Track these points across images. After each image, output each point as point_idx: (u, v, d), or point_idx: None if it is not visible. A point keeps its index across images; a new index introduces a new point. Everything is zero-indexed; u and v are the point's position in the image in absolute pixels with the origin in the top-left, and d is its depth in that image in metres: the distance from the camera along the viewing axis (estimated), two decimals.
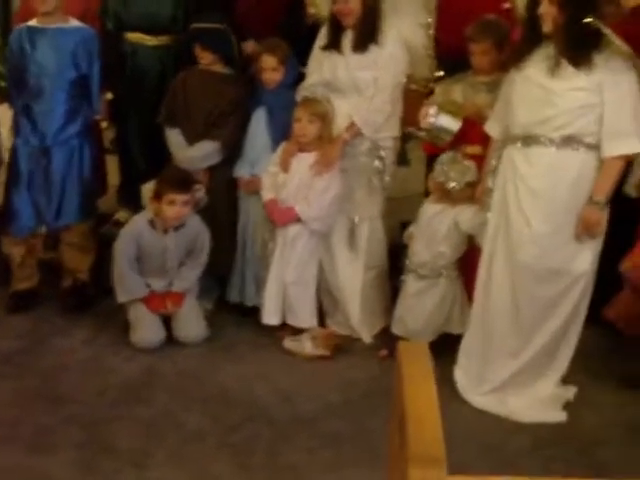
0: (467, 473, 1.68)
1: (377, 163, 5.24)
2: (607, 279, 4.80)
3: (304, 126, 5.18)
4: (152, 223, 5.33)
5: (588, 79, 4.25)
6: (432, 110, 4.99)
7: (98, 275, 5.57)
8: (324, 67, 5.26)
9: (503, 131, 4.63)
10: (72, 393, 4.74)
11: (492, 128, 4.74)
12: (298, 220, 5.25)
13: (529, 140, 4.42)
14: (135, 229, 5.35)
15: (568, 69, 4.28)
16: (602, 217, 4.39)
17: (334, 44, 5.19)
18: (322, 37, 5.30)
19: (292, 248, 5.29)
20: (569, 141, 4.34)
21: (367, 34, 5.08)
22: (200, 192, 5.41)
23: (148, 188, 5.46)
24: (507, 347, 4.68)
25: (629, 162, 4.64)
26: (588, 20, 4.24)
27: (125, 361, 5.11)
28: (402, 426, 1.68)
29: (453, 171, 4.85)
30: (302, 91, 5.33)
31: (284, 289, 5.32)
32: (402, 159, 6.44)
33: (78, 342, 5.30)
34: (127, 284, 5.33)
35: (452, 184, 4.83)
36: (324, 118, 5.20)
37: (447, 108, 5.01)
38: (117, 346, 5.26)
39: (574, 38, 4.26)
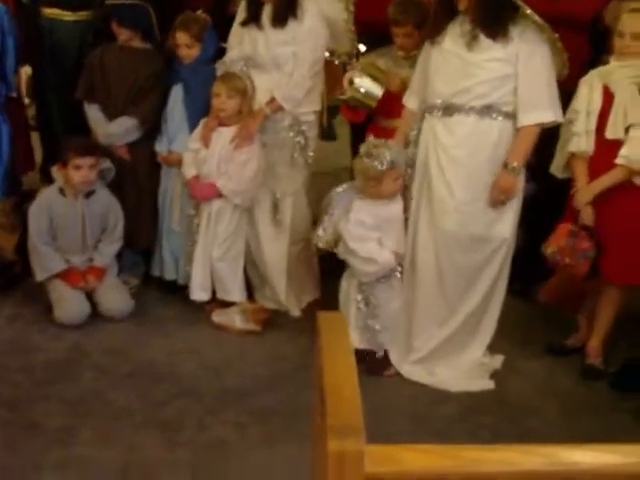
0: (395, 443, 1.66)
1: (299, 138, 5.21)
2: (534, 257, 4.91)
3: (223, 101, 5.14)
4: (62, 192, 5.31)
5: (505, 50, 4.34)
6: (356, 73, 5.01)
7: (24, 253, 5.46)
8: (244, 42, 5.22)
9: (421, 103, 4.66)
10: None
11: (409, 100, 4.77)
12: (220, 195, 5.22)
13: (449, 110, 4.48)
14: (44, 201, 5.32)
15: (485, 41, 4.35)
16: (516, 182, 4.47)
17: (253, 19, 5.14)
18: (242, 12, 5.26)
19: (217, 223, 5.26)
20: (488, 110, 4.43)
21: (286, 9, 5.03)
22: (106, 163, 5.37)
23: None
24: (433, 316, 4.73)
25: (554, 141, 4.76)
26: None
27: (50, 339, 5.05)
28: (322, 397, 1.67)
29: (378, 150, 4.74)
30: (222, 66, 5.28)
31: (212, 264, 5.30)
32: (329, 134, 6.45)
33: (3, 321, 5.24)
34: (43, 260, 5.29)
35: (377, 165, 4.58)
36: (243, 93, 5.16)
37: (371, 73, 5.03)
38: (42, 324, 5.19)
39: (490, 11, 4.32)
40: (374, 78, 5.04)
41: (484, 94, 4.40)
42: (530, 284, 5.40)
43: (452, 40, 4.45)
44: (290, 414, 4.35)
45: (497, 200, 4.48)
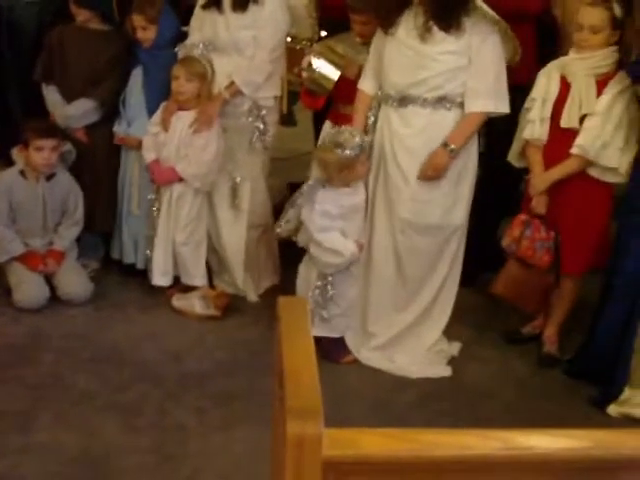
0: (353, 427, 1.69)
1: (258, 123, 5.21)
2: (483, 245, 5.02)
3: (182, 84, 5.13)
4: (23, 174, 5.29)
5: (458, 43, 4.40)
6: (314, 56, 5.04)
7: None
8: (205, 26, 5.21)
9: (377, 90, 4.68)
10: None
11: (364, 83, 4.76)
12: (180, 179, 5.21)
13: (404, 101, 4.53)
14: (4, 183, 5.31)
15: (439, 34, 4.40)
16: (448, 162, 4.50)
17: (215, 3, 5.12)
18: None
19: (178, 208, 5.26)
20: (442, 101, 4.48)
21: None
22: (67, 146, 5.36)
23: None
24: (392, 303, 4.77)
25: (511, 130, 4.82)
26: None
27: (9, 322, 5.04)
28: (281, 381, 1.68)
29: (344, 137, 4.68)
30: (182, 49, 5.27)
31: (175, 249, 5.30)
32: (289, 120, 6.44)
33: None
34: (2, 243, 5.27)
35: (349, 153, 4.54)
36: (202, 77, 5.15)
37: (329, 57, 5.04)
38: (1, 307, 5.18)
39: (443, 4, 4.37)
40: (332, 62, 5.05)
41: (438, 86, 4.45)
42: (479, 271, 5.43)
43: (406, 32, 4.47)
44: (249, 398, 4.37)
45: (426, 175, 4.52)
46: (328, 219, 4.58)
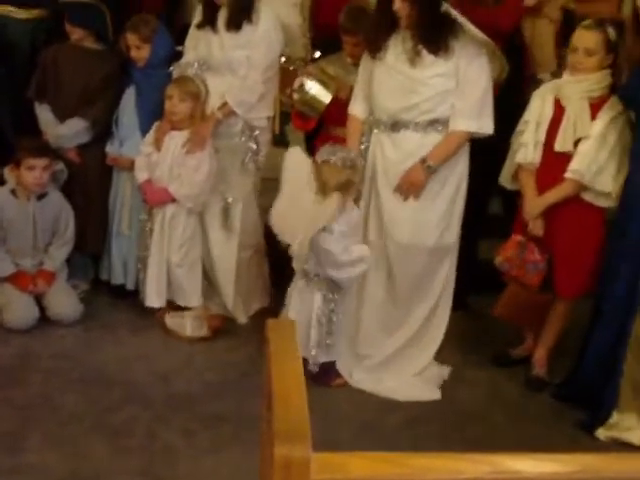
0: (341, 451, 1.69)
1: (251, 143, 5.22)
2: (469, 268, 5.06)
3: (175, 104, 5.14)
4: (14, 193, 5.28)
5: (446, 65, 4.42)
6: (306, 77, 5.05)
7: None
8: (200, 45, 5.22)
9: (366, 111, 4.68)
10: None
11: (354, 108, 4.76)
12: (173, 200, 5.21)
13: (396, 125, 4.54)
14: None
15: (428, 57, 4.41)
16: (425, 179, 4.49)
17: (209, 22, 5.14)
18: (198, 15, 5.25)
19: (172, 228, 5.26)
20: (434, 124, 4.50)
21: (241, 13, 5.03)
22: (59, 165, 5.35)
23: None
24: (384, 326, 4.77)
25: (502, 153, 4.84)
26: (442, 10, 4.36)
27: None
28: (269, 403, 1.69)
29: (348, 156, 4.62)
30: (177, 69, 5.27)
31: (170, 270, 5.29)
32: (282, 140, 6.45)
33: None
34: None
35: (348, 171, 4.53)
36: (196, 97, 5.16)
37: (321, 78, 5.07)
38: None
39: (431, 28, 4.38)
40: (323, 84, 5.07)
41: (429, 110, 4.46)
42: (465, 293, 5.44)
43: (395, 56, 4.49)
44: (238, 421, 4.36)
45: (401, 189, 4.53)
46: (344, 238, 4.56)
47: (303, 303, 4.71)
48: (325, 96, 5.06)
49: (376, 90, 4.58)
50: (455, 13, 4.39)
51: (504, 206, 5.74)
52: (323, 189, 4.51)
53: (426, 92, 4.44)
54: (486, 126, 4.51)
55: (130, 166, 5.36)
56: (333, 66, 5.18)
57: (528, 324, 5.05)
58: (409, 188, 4.52)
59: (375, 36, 4.58)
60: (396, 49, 4.48)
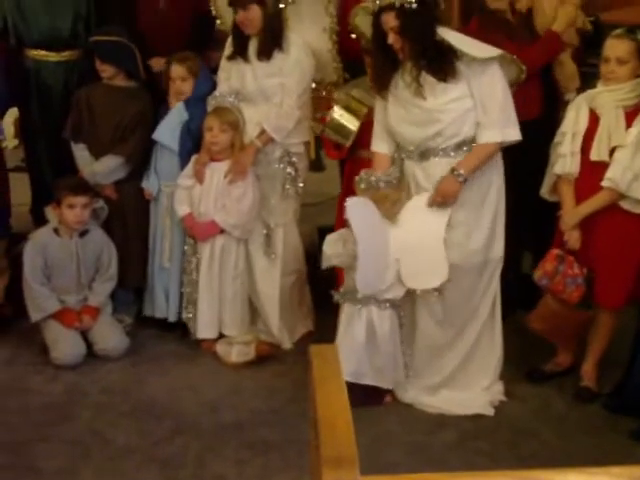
0: (394, 473, 1.69)
1: (290, 169, 5.24)
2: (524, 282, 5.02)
3: (216, 135, 5.17)
4: (57, 231, 5.34)
5: (457, 87, 4.40)
6: (335, 108, 5.07)
7: (16, 296, 5.47)
8: (232, 76, 5.25)
9: (389, 147, 4.69)
10: None
11: (378, 145, 4.74)
12: (221, 231, 5.24)
13: (425, 154, 4.53)
14: (38, 241, 5.35)
15: (438, 85, 4.40)
16: (457, 189, 4.46)
17: (240, 53, 5.18)
18: (228, 47, 5.29)
19: (224, 261, 5.31)
20: (460, 146, 4.48)
21: (271, 41, 5.07)
22: (99, 203, 5.40)
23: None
24: (436, 347, 4.71)
25: (542, 165, 4.83)
26: (438, 39, 4.35)
27: (47, 380, 5.05)
28: (316, 429, 1.69)
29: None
30: (212, 101, 5.30)
31: (221, 302, 5.34)
32: (317, 164, 6.47)
33: None
34: (37, 300, 5.30)
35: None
36: (235, 127, 5.19)
37: (347, 104, 5.09)
38: (38, 366, 5.20)
39: (432, 59, 4.37)
40: (351, 110, 5.08)
41: (453, 134, 4.44)
42: (509, 308, 5.39)
43: (404, 89, 4.48)
44: (288, 447, 4.35)
45: (435, 202, 4.51)
46: None
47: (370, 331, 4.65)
48: (353, 123, 5.07)
49: (395, 125, 4.58)
50: (451, 39, 4.36)
51: (537, 221, 5.71)
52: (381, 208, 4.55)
53: (446, 118, 4.42)
54: (512, 134, 4.46)
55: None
56: (357, 89, 5.18)
57: (562, 338, 5.01)
58: (442, 200, 4.49)
59: (379, 75, 4.59)
60: (404, 82, 4.48)
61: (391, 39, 4.37)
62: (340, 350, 3.96)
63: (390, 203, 4.58)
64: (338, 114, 5.08)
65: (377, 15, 4.42)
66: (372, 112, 4.93)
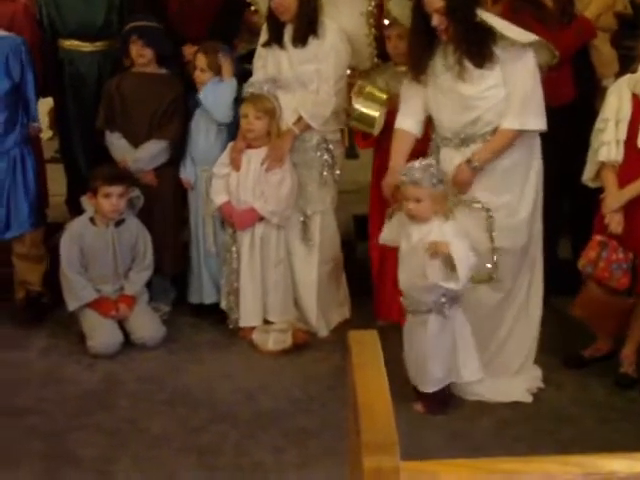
0: (430, 459, 1.67)
1: (326, 156, 5.24)
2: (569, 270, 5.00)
3: (251, 122, 5.17)
4: (92, 221, 5.37)
5: (493, 74, 4.37)
6: (354, 99, 5.05)
7: (53, 285, 5.50)
8: (268, 63, 5.25)
9: (415, 125, 4.65)
10: (32, 405, 4.70)
11: (405, 122, 4.69)
12: (260, 219, 5.25)
13: (464, 141, 4.50)
14: (75, 230, 5.38)
15: (475, 72, 4.36)
16: (471, 178, 4.43)
17: (275, 40, 5.17)
18: (263, 34, 5.28)
19: (265, 249, 5.32)
20: None
21: (306, 28, 5.06)
22: (135, 192, 5.41)
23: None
24: (478, 331, 4.66)
25: (581, 151, 4.79)
26: (478, 20, 4.32)
27: (84, 369, 5.07)
28: (355, 415, 1.67)
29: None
30: (248, 88, 5.29)
31: (264, 289, 5.35)
32: (351, 152, 6.45)
33: (35, 353, 5.26)
34: (74, 289, 5.32)
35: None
36: (271, 114, 5.19)
37: (370, 92, 5.07)
38: (75, 355, 5.22)
39: (471, 40, 4.33)
40: (373, 98, 5.05)
41: (491, 120, 4.41)
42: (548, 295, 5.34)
43: (442, 74, 4.46)
44: (326, 434, 4.35)
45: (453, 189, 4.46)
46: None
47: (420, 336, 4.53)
48: (376, 110, 5.04)
49: (435, 111, 4.57)
50: (491, 21, 4.34)
51: (575, 206, 5.67)
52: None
53: (484, 105, 4.40)
54: (531, 123, 4.41)
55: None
56: (382, 77, 5.17)
57: (605, 325, 4.95)
58: (458, 188, 4.46)
59: (418, 59, 4.54)
60: (442, 66, 4.46)
61: (436, 20, 4.33)
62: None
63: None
64: (358, 104, 5.05)
65: None
66: (396, 99, 4.88)
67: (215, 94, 5.37)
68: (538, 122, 4.43)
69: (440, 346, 4.48)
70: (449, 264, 4.25)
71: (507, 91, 4.37)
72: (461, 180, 4.45)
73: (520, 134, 4.44)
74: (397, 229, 4.55)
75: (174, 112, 5.53)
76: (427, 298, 4.41)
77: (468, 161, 4.42)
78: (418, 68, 4.54)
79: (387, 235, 4.63)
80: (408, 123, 4.67)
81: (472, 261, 4.31)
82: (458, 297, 4.46)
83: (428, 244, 4.28)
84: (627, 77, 4.70)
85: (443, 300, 4.42)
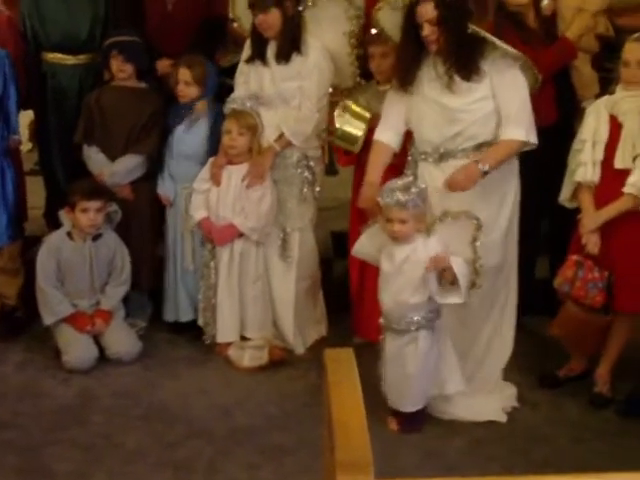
0: (404, 477, 1.69)
1: (307, 173, 5.25)
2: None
3: (234, 138, 5.18)
4: (70, 235, 5.35)
5: (481, 87, 4.37)
6: (337, 117, 5.09)
7: (29, 299, 5.48)
8: (250, 80, 5.26)
9: (394, 139, 4.65)
10: (7, 419, 4.68)
11: (384, 134, 4.67)
12: (240, 235, 5.25)
13: (444, 156, 4.49)
14: (52, 244, 5.37)
15: (463, 84, 4.36)
16: (476, 178, 4.35)
17: (258, 56, 5.18)
18: (246, 50, 5.29)
19: (244, 264, 5.31)
20: (479, 148, 4.45)
21: (289, 45, 5.08)
22: (113, 206, 5.40)
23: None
24: (455, 349, 4.67)
25: (561, 172, 4.82)
26: (471, 30, 4.34)
27: (60, 384, 5.05)
28: (330, 433, 1.68)
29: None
30: (230, 103, 5.29)
31: (242, 305, 5.35)
32: (330, 169, 6.47)
33: (11, 367, 5.24)
34: (50, 304, 5.31)
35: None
36: (254, 130, 5.20)
37: (353, 110, 5.10)
38: (51, 369, 5.20)
39: (461, 52, 4.34)
40: (357, 116, 5.08)
41: (473, 135, 4.42)
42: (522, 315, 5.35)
43: (428, 85, 4.46)
44: (301, 451, 4.35)
45: (452, 183, 4.37)
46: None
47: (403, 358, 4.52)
48: (357, 128, 5.07)
49: (416, 123, 4.56)
50: (483, 32, 4.36)
51: (553, 226, 5.69)
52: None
53: (468, 118, 4.40)
54: (533, 136, 4.42)
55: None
56: (364, 95, 5.20)
57: (582, 344, 4.94)
58: (463, 180, 4.36)
59: (405, 68, 4.53)
60: (429, 77, 4.46)
61: (427, 31, 4.34)
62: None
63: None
64: (341, 123, 5.08)
65: (412, 7, 4.40)
66: (377, 118, 4.86)
67: (187, 143, 5.44)
68: (536, 136, 4.44)
69: (430, 362, 4.50)
70: (449, 278, 4.29)
71: (497, 103, 4.39)
72: (470, 174, 4.36)
73: (524, 146, 4.46)
74: (372, 243, 4.55)
75: (153, 126, 5.53)
76: (416, 315, 4.42)
77: (476, 162, 4.35)
78: (405, 78, 4.53)
79: (361, 248, 4.63)
80: (387, 136, 4.67)
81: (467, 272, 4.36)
82: (441, 308, 4.48)
83: (429, 260, 4.29)
84: (605, 98, 4.74)
85: (431, 315, 4.44)
